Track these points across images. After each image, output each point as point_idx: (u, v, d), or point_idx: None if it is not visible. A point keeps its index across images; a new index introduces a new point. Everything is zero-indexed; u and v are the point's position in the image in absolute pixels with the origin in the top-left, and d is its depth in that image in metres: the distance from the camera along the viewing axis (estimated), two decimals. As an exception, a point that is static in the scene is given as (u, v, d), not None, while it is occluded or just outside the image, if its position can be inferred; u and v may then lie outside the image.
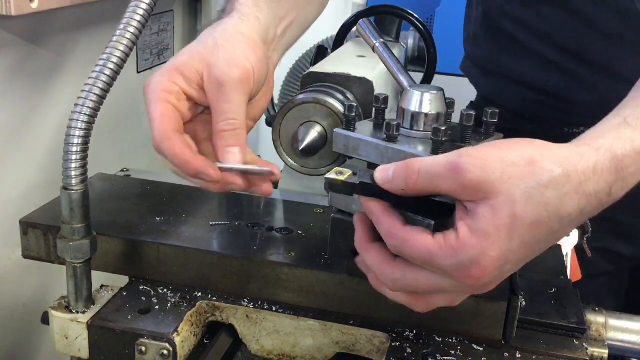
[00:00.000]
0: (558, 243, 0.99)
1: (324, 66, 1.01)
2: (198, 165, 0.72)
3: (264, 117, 0.91)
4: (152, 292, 0.84)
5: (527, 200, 0.57)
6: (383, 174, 0.63)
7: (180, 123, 0.74)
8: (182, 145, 0.73)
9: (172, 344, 0.75)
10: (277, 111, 0.93)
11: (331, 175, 0.65)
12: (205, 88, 0.74)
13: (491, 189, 0.57)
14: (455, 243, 0.58)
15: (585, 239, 1.05)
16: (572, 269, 0.96)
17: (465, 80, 1.39)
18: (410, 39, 2.96)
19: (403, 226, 0.62)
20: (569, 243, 0.98)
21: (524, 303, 0.77)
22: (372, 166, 0.69)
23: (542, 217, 0.58)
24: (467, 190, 0.58)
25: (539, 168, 0.58)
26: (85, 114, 0.73)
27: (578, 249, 1.00)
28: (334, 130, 0.72)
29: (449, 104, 0.72)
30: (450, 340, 0.78)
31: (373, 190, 0.63)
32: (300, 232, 0.90)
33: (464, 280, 0.60)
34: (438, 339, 0.78)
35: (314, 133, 0.91)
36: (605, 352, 0.78)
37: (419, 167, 0.60)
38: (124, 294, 0.83)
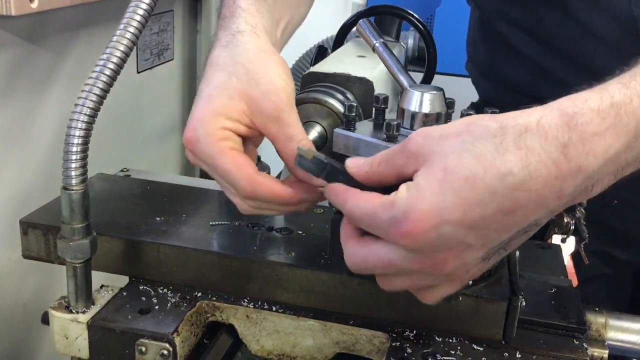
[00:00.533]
0: (557, 243, 0.99)
1: (324, 66, 1.01)
2: (301, 194, 0.71)
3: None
4: (152, 292, 0.84)
5: (459, 153, 0.55)
6: (353, 160, 0.64)
7: (252, 162, 0.72)
8: (275, 182, 0.71)
9: (172, 344, 0.75)
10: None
11: (304, 148, 0.67)
12: (259, 123, 0.71)
13: (428, 151, 0.57)
14: (393, 197, 0.58)
15: (582, 245, 1.05)
16: (569, 276, 0.96)
17: (466, 80, 1.39)
18: (410, 39, 2.96)
19: (355, 190, 0.62)
20: (565, 250, 0.98)
21: (524, 303, 0.77)
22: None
23: (477, 171, 0.54)
24: (411, 160, 0.58)
25: (475, 125, 0.57)
26: (85, 114, 0.73)
27: (575, 255, 1.00)
28: (334, 130, 0.72)
29: (449, 104, 0.72)
30: (450, 340, 0.78)
31: (339, 174, 0.64)
32: (300, 232, 0.90)
33: (397, 239, 0.58)
34: (438, 339, 0.78)
35: (314, 133, 0.91)
36: (605, 352, 0.78)
37: (383, 152, 0.62)
38: (124, 294, 0.83)
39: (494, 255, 0.61)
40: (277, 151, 0.73)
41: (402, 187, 0.58)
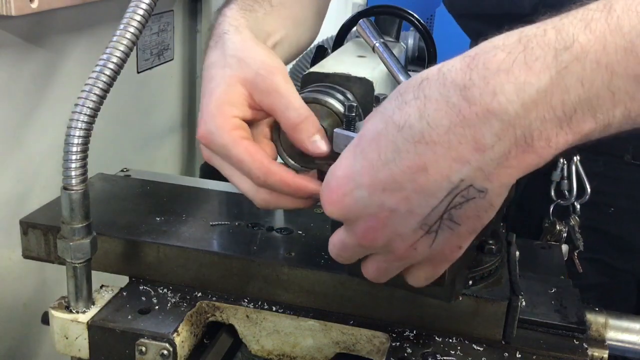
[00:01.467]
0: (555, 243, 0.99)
1: (324, 66, 1.01)
2: (312, 188, 0.72)
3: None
4: (152, 292, 0.84)
5: (371, 118, 0.56)
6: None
7: (265, 151, 0.74)
8: (287, 172, 0.73)
9: (172, 344, 0.75)
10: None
11: None
12: (258, 99, 0.74)
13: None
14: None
15: (575, 254, 1.05)
16: None
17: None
18: (410, 39, 2.96)
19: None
20: None
21: (524, 303, 0.77)
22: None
23: (380, 129, 0.54)
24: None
25: (395, 91, 0.55)
26: (85, 114, 0.73)
27: (568, 263, 1.00)
28: (334, 130, 0.72)
29: (449, 104, 0.72)
30: (450, 340, 0.78)
31: None
32: (300, 232, 0.90)
33: (326, 210, 0.60)
34: (438, 339, 0.78)
35: (314, 133, 0.91)
36: (605, 353, 0.78)
37: None
38: (124, 294, 0.83)
39: (439, 228, 0.55)
40: (282, 127, 0.74)
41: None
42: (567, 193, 1.06)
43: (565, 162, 1.06)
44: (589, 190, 1.05)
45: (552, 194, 1.07)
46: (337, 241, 0.63)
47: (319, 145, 0.73)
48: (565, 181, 1.06)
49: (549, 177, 1.07)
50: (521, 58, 0.49)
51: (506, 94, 0.49)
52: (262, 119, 0.77)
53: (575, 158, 1.05)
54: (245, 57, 0.75)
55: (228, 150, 0.72)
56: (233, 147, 0.71)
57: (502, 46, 0.50)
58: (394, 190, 0.54)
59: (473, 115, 0.49)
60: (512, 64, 0.49)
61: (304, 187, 0.72)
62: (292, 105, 0.73)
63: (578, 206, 1.05)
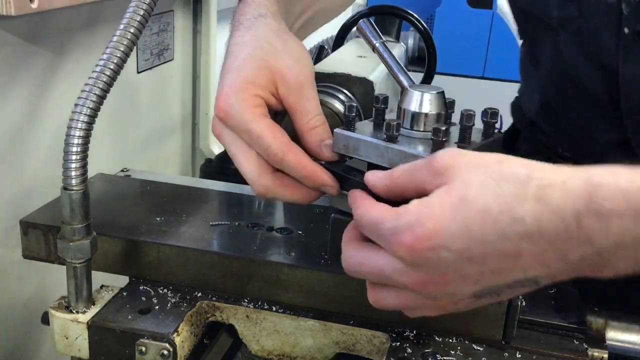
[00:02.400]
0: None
1: (324, 66, 1.01)
2: (325, 178, 0.72)
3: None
4: (152, 292, 0.84)
5: (481, 187, 0.56)
6: (373, 174, 0.65)
7: (286, 133, 0.73)
8: (305, 155, 0.72)
9: (172, 344, 0.75)
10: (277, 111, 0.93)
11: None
12: (282, 94, 0.73)
13: (452, 175, 0.57)
14: (402, 209, 0.59)
15: None
16: None
17: (466, 80, 1.39)
18: (410, 39, 2.96)
19: (371, 199, 0.64)
20: None
21: (524, 303, 0.77)
22: (372, 166, 0.69)
23: (492, 208, 0.55)
24: (435, 177, 0.58)
25: (505, 165, 0.57)
26: (85, 114, 0.73)
27: None
28: (334, 130, 0.72)
29: (449, 104, 0.72)
30: (450, 340, 0.78)
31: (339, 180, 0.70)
32: (300, 232, 0.90)
33: (395, 249, 0.58)
34: (438, 339, 0.78)
35: (314, 133, 0.91)
36: (605, 353, 0.78)
37: (405, 165, 0.62)
38: (124, 294, 0.83)
39: (486, 297, 0.61)
40: (295, 126, 0.74)
41: (415, 201, 0.58)
42: None
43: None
44: None
45: None
46: (373, 265, 0.62)
47: (327, 151, 0.73)
48: None
49: None
50: (636, 210, 0.54)
51: (608, 233, 0.54)
52: (278, 110, 0.76)
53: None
54: (281, 48, 0.75)
55: (248, 124, 0.71)
56: (255, 122, 0.71)
57: (624, 190, 0.54)
58: (477, 264, 0.57)
59: (576, 237, 0.55)
60: (625, 211, 0.54)
61: (319, 174, 0.72)
62: (315, 109, 0.74)
63: None
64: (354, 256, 0.64)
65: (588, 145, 0.74)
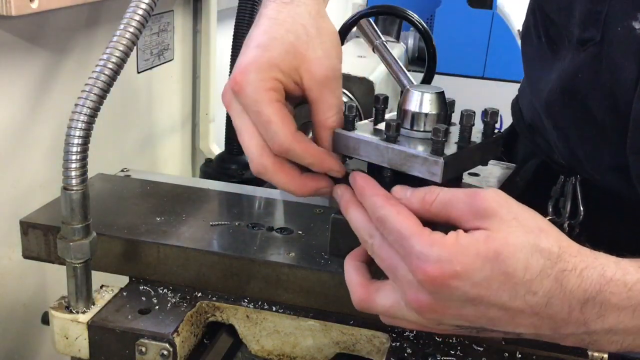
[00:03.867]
0: None
1: (324, 66, 1.01)
2: (332, 162, 0.71)
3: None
4: (152, 292, 0.84)
5: (515, 251, 0.58)
6: (401, 190, 0.64)
7: (294, 121, 0.72)
8: (312, 142, 0.71)
9: (172, 344, 0.75)
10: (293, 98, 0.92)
11: None
12: (307, 85, 0.71)
13: (495, 225, 0.59)
14: (437, 238, 0.59)
15: None
16: None
17: (466, 80, 1.38)
18: (410, 39, 2.96)
19: (399, 204, 0.63)
20: None
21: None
22: (373, 166, 0.69)
23: (517, 275, 0.58)
24: (475, 218, 0.60)
25: (544, 236, 0.59)
26: (85, 114, 0.73)
27: None
28: (334, 130, 0.72)
29: (449, 104, 0.72)
30: (450, 340, 0.78)
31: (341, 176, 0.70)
32: (300, 232, 0.90)
33: (416, 271, 0.59)
34: (438, 339, 0.78)
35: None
36: (605, 353, 0.78)
37: (441, 190, 0.62)
38: (124, 294, 0.83)
39: (467, 330, 0.63)
40: (313, 117, 0.72)
41: (453, 235, 0.59)
42: (561, 211, 1.05)
43: (564, 179, 1.04)
44: (582, 211, 1.02)
45: (550, 209, 1.06)
46: (388, 256, 0.63)
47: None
48: (563, 198, 1.05)
49: (548, 192, 1.06)
50: (634, 306, 0.59)
51: (604, 321, 0.59)
52: (297, 97, 0.74)
53: (573, 177, 1.02)
54: (314, 35, 0.72)
55: (260, 106, 0.69)
56: (266, 105, 0.69)
57: (629, 287, 0.59)
58: (479, 311, 0.60)
59: (575, 320, 0.59)
60: (626, 307, 0.59)
61: (325, 158, 0.71)
62: (337, 106, 0.72)
63: (566, 226, 1.03)
64: (365, 299, 0.66)
65: (585, 159, 0.74)
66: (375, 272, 0.67)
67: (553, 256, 0.58)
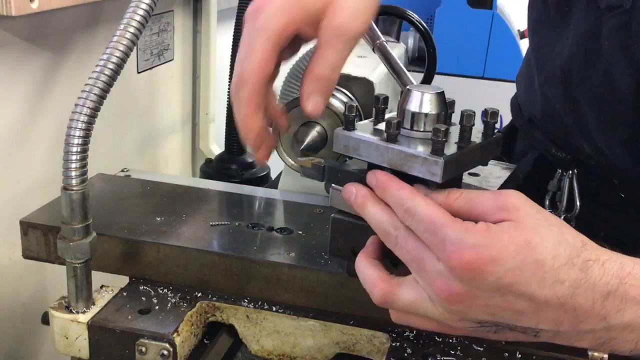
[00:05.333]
0: None
1: (324, 66, 1.01)
2: (253, 121, 0.71)
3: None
4: (152, 292, 0.84)
5: (544, 240, 0.59)
6: (422, 188, 0.65)
7: (273, 73, 0.72)
8: (259, 96, 0.71)
9: (172, 344, 0.75)
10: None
11: (302, 158, 0.73)
12: (321, 28, 0.70)
13: (520, 216, 0.60)
14: (470, 225, 0.60)
15: None
16: None
17: (466, 80, 1.38)
18: (410, 39, 2.96)
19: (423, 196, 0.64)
20: None
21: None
22: (373, 166, 0.69)
23: (547, 263, 0.58)
24: (499, 211, 0.61)
25: (566, 228, 0.61)
26: (85, 114, 0.73)
27: None
28: (334, 130, 0.72)
29: (449, 104, 0.72)
30: (450, 340, 0.78)
31: (337, 174, 0.71)
32: (300, 232, 0.90)
33: (452, 258, 0.59)
34: (438, 339, 0.78)
35: (314, 133, 0.91)
36: (605, 353, 0.78)
37: (464, 190, 0.64)
38: (124, 294, 0.83)
39: (488, 328, 0.63)
40: (312, 59, 0.71)
41: (482, 224, 0.60)
42: (557, 204, 1.06)
43: (562, 172, 1.05)
44: (578, 205, 1.03)
45: (547, 203, 1.06)
46: (415, 252, 0.63)
47: (315, 106, 0.71)
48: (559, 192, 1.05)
49: (545, 186, 1.07)
50: None
51: (624, 315, 0.60)
52: (309, 38, 0.73)
53: (570, 171, 1.03)
54: None
55: (258, 35, 0.69)
56: (264, 41, 0.69)
57: None
58: (507, 301, 0.60)
59: (596, 314, 0.60)
60: None
61: (249, 129, 0.72)
62: (335, 63, 0.70)
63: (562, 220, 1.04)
64: (389, 292, 0.65)
65: (596, 130, 0.73)
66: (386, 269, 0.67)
67: (577, 246, 0.60)
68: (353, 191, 0.68)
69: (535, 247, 0.58)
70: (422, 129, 0.69)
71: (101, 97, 0.73)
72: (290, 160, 0.95)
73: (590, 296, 0.59)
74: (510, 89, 1.26)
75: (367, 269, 0.66)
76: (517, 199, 0.61)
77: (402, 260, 0.64)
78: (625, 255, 0.62)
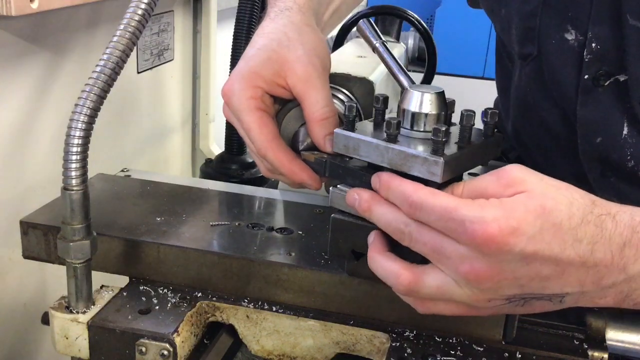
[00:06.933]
0: None
1: (324, 66, 1.01)
2: (304, 176, 0.77)
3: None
4: (152, 292, 0.84)
5: (557, 203, 0.60)
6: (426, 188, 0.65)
7: (276, 128, 0.78)
8: (285, 153, 0.77)
9: (172, 344, 0.75)
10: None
11: (306, 152, 0.77)
12: (291, 83, 0.76)
13: (528, 186, 0.61)
14: (483, 201, 0.60)
15: None
16: None
17: (466, 80, 1.39)
18: (410, 39, 2.96)
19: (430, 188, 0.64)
20: None
21: (524, 303, 0.77)
22: (373, 166, 0.69)
23: (564, 224, 0.59)
24: (507, 188, 0.61)
25: (574, 190, 0.62)
26: (85, 114, 0.73)
27: None
28: (334, 130, 0.72)
29: (449, 104, 0.72)
30: (450, 340, 0.78)
31: (338, 169, 0.72)
32: (300, 232, 0.90)
33: (475, 236, 0.59)
34: (438, 339, 0.78)
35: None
36: (605, 353, 0.78)
37: (464, 182, 0.65)
38: (124, 294, 0.83)
39: (514, 303, 0.64)
40: (304, 113, 0.77)
41: (494, 199, 0.61)
42: None
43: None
44: None
45: None
46: (435, 244, 0.63)
47: (330, 145, 0.75)
48: None
49: None
50: None
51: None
52: (289, 99, 0.79)
53: None
54: (295, 38, 0.77)
55: (241, 115, 0.76)
56: (246, 114, 0.76)
57: None
58: (533, 270, 0.60)
59: (616, 265, 0.61)
60: None
61: (296, 174, 0.77)
62: (324, 100, 0.76)
63: None
64: (416, 280, 0.65)
65: (547, 171, 0.76)
66: None
67: (588, 204, 0.61)
68: (356, 197, 0.69)
69: (550, 212, 0.59)
70: (422, 129, 0.69)
71: (101, 97, 0.73)
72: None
73: (609, 249, 0.60)
74: (510, 89, 1.26)
75: (385, 262, 0.66)
76: (519, 171, 0.62)
77: (421, 253, 0.64)
78: (633, 206, 0.63)
